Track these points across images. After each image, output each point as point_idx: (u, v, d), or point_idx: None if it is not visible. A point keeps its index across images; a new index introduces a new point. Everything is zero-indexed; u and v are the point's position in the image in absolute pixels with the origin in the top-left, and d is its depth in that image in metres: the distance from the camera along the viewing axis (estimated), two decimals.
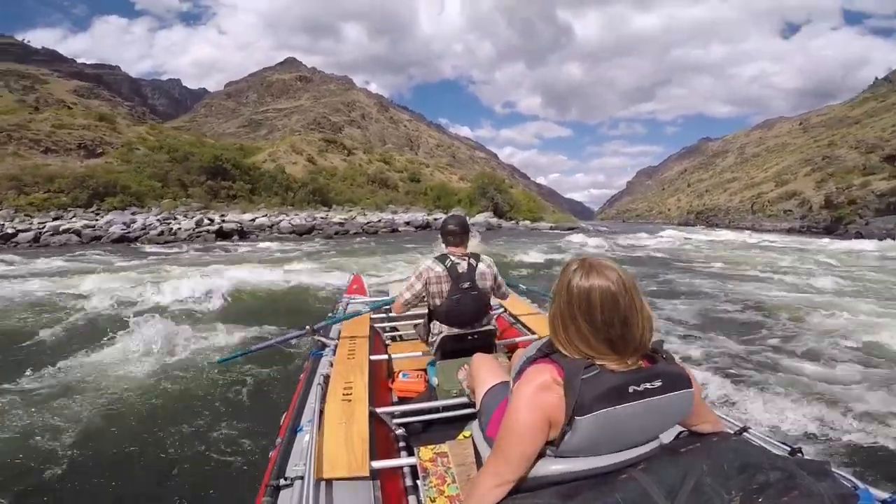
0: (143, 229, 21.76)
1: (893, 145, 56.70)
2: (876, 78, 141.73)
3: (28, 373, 4.42)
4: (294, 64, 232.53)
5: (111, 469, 3.07)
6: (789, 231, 50.89)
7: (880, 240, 28.98)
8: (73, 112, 43.16)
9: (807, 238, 36.31)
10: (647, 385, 1.08)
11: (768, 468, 1.01)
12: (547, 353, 1.17)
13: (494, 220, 41.77)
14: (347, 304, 3.99)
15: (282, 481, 1.51)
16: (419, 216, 37.54)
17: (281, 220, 27.64)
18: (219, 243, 20.51)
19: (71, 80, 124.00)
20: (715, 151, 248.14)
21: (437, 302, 2.68)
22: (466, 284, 2.65)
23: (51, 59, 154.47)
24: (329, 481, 1.52)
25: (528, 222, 45.62)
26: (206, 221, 24.00)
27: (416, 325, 3.09)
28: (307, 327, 2.89)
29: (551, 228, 43.66)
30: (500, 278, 2.87)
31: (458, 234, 2.73)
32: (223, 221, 24.82)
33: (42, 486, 2.87)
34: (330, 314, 3.71)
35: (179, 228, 22.48)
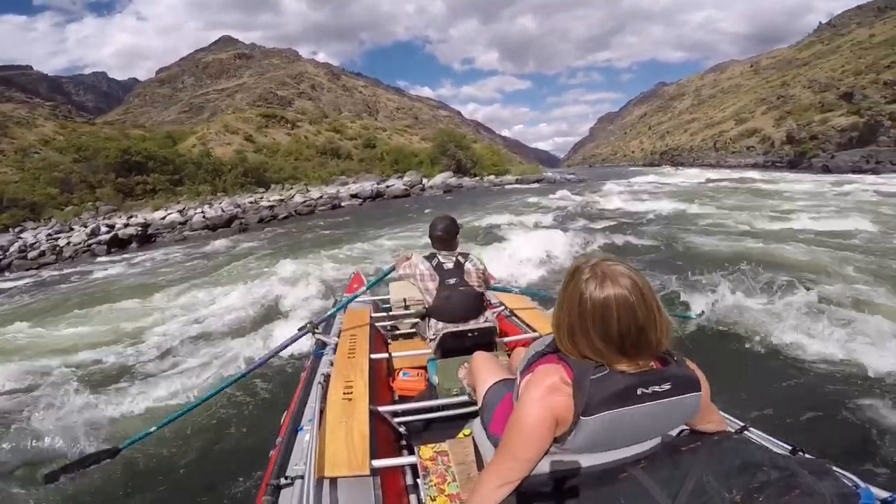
0: (21, 252, 17.93)
1: (847, 84, 60.23)
2: (820, 23, 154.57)
3: None
4: (230, 42, 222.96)
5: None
6: (754, 166, 53.01)
7: (853, 173, 32.48)
8: None
9: (776, 172, 39.41)
10: (656, 388, 1.06)
11: (769, 467, 1.01)
12: (556, 349, 1.16)
13: (454, 181, 38.28)
14: (348, 303, 3.85)
15: (283, 480, 1.54)
16: (368, 185, 33.25)
17: (195, 215, 23.58)
18: (102, 260, 16.08)
19: None
20: (672, 95, 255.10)
21: (429, 299, 2.75)
22: (453, 280, 2.70)
23: None
24: (330, 480, 1.52)
25: (493, 177, 42.76)
26: (103, 229, 20.26)
27: (416, 324, 3.21)
28: (307, 326, 2.82)
29: (517, 181, 41.14)
30: (486, 272, 2.91)
31: (445, 239, 2.78)
32: (127, 225, 21.09)
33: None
34: (330, 313, 3.54)
35: (68, 243, 18.82)
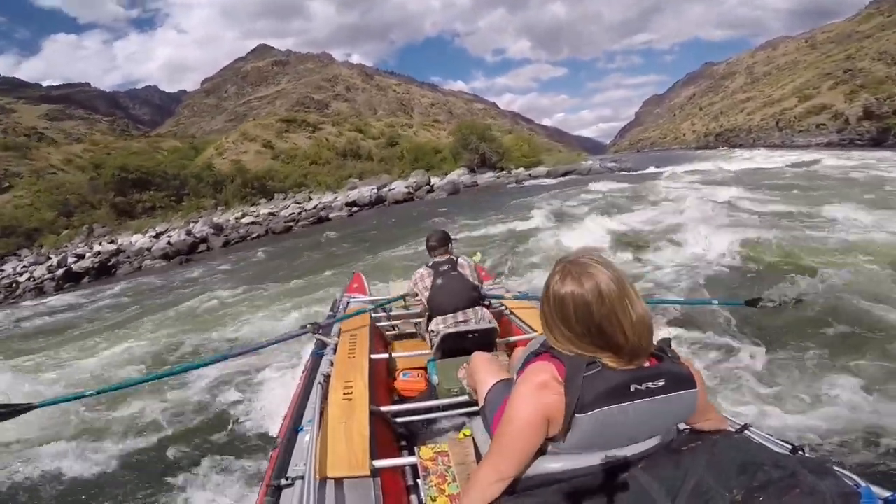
0: None
1: None
2: None
3: None
4: (266, 50, 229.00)
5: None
6: (828, 145, 47.41)
7: None
8: None
9: (856, 151, 33.24)
10: (650, 384, 1.06)
11: (770, 466, 1.00)
12: (549, 347, 1.16)
13: (466, 178, 33.84)
14: (348, 303, 3.93)
15: (283, 481, 1.53)
16: (366, 191, 29.41)
17: (156, 242, 20.40)
18: (44, 300, 13.98)
19: (39, 104, 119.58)
20: (722, 74, 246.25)
21: (427, 294, 2.88)
22: (445, 268, 2.91)
23: (12, 86, 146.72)
24: (330, 480, 1.53)
25: (521, 170, 38.04)
26: (70, 259, 18.16)
27: (416, 324, 3.30)
28: (307, 326, 2.86)
29: (548, 174, 35.79)
30: (479, 269, 3.15)
31: (437, 247, 3.04)
32: (98, 253, 18.80)
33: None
34: (330, 313, 3.66)
35: (30, 278, 16.87)
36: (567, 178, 33.30)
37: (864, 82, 58.45)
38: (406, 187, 30.34)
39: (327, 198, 29.75)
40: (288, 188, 34.15)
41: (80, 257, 18.66)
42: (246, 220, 24.34)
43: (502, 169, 39.01)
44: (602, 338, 1.06)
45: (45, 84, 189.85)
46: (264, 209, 27.53)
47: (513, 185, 31.28)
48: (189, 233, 21.50)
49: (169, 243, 19.35)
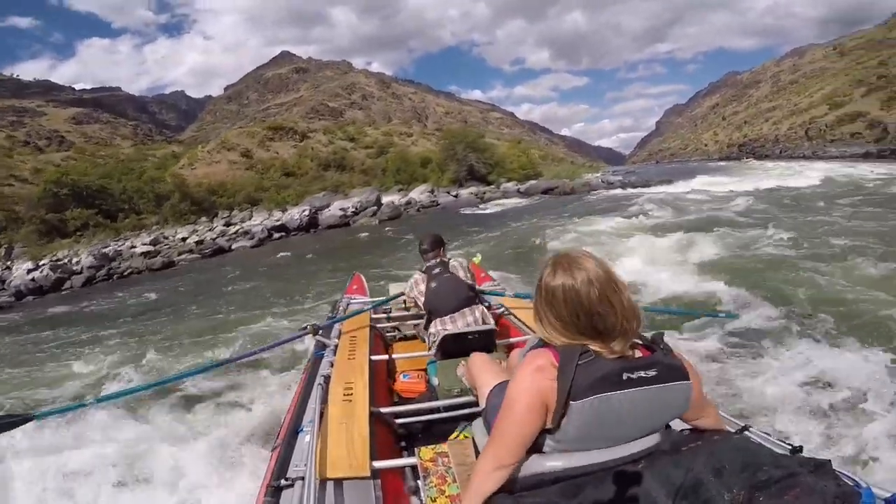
0: None
1: None
2: None
3: None
4: (288, 57, 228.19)
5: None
6: (865, 156, 43.58)
7: None
8: None
9: None
10: (642, 373, 1.08)
11: (770, 466, 1.01)
12: (545, 343, 1.19)
13: (423, 198, 28.94)
14: (348, 304, 3.94)
15: (283, 481, 1.53)
16: (294, 213, 24.97)
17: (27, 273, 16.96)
18: None
19: (69, 107, 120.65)
20: (746, 83, 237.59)
21: (422, 298, 2.92)
22: (437, 270, 2.93)
23: (46, 89, 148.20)
24: (330, 481, 1.53)
25: (512, 184, 33.86)
26: None
27: (416, 325, 3.27)
28: (307, 327, 2.88)
29: (526, 192, 31.01)
30: (473, 269, 3.16)
31: (429, 250, 3.07)
32: None
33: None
34: (330, 314, 3.68)
35: None
36: (546, 196, 29.24)
37: None
38: (341, 210, 25.68)
39: (254, 220, 25.76)
40: (237, 204, 30.05)
41: None
42: (140, 249, 20.35)
43: (490, 183, 35.25)
44: (591, 324, 1.10)
45: (77, 87, 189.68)
46: (179, 232, 24.05)
47: (468, 212, 24.59)
48: (56, 267, 17.35)
49: (33, 279, 15.76)
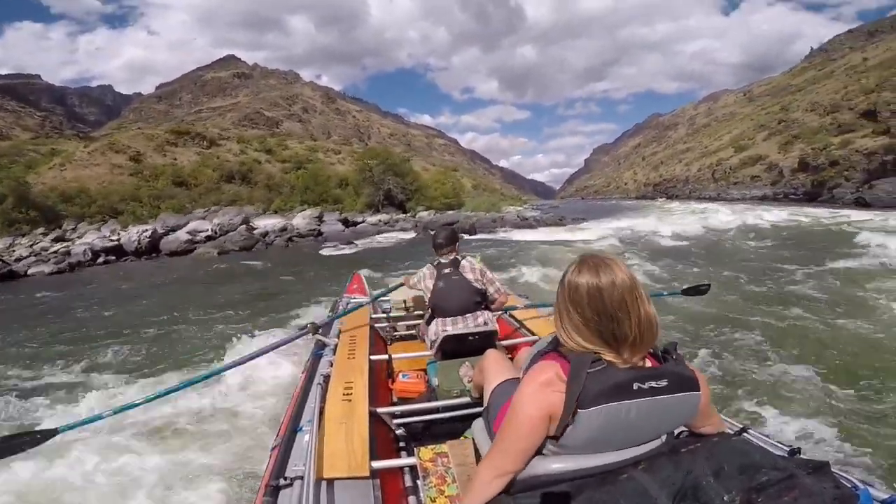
0: None
1: (868, 101, 50.02)
2: (811, 48, 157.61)
3: None
4: (233, 61, 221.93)
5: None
6: (762, 199, 47.55)
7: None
8: None
9: (791, 207, 33.71)
10: (653, 383, 1.08)
11: (768, 468, 1.01)
12: (556, 346, 1.20)
13: (302, 224, 25.36)
14: (347, 304, 3.89)
15: (282, 481, 1.52)
16: (133, 233, 20.91)
17: None
18: None
19: None
20: (666, 125, 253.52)
21: (429, 295, 2.88)
22: (448, 271, 2.88)
23: None
24: (329, 481, 1.52)
25: (428, 213, 31.83)
26: None
27: (416, 326, 3.29)
28: (307, 326, 2.85)
29: (416, 226, 27.95)
30: (489, 274, 2.99)
31: (443, 245, 2.98)
32: None
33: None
34: (330, 313, 3.68)
35: None
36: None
37: (800, 132, 58.05)
38: (188, 234, 21.46)
39: (86, 238, 21.05)
40: (91, 215, 25.88)
41: None
42: None
43: (406, 211, 33.40)
44: (609, 327, 1.09)
45: None
46: (23, 242, 20.24)
47: (327, 252, 19.09)
48: None
49: None
